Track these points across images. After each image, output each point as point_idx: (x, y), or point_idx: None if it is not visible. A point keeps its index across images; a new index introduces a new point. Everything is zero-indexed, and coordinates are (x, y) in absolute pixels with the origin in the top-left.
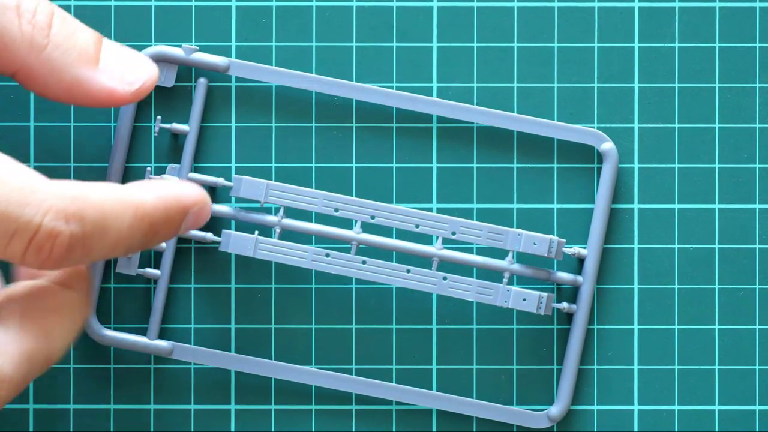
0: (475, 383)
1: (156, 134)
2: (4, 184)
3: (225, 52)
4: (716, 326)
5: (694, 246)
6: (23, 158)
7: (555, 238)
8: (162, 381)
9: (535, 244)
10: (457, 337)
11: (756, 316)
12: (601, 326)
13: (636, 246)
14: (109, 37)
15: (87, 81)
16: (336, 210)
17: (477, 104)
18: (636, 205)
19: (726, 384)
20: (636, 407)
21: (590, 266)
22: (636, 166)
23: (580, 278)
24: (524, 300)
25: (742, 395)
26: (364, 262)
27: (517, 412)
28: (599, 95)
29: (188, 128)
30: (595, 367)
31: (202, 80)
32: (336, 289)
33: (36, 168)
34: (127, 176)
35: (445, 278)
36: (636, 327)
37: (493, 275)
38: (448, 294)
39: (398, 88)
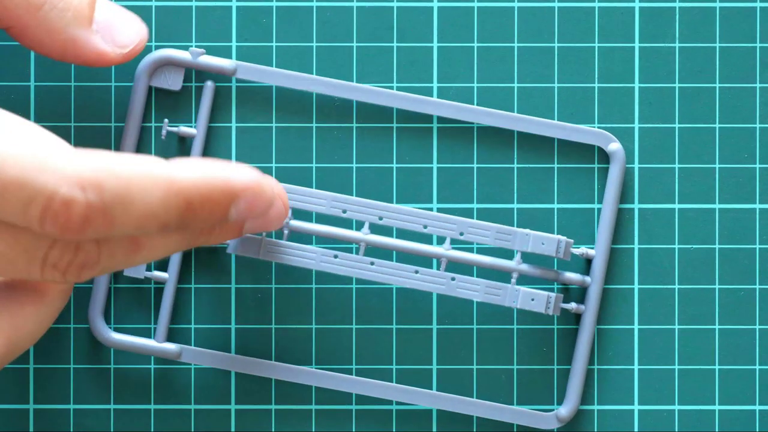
0: (475, 383)
1: (164, 137)
2: (23, 148)
3: (226, 52)
4: (716, 326)
5: (694, 246)
6: None
7: (563, 238)
8: (162, 381)
9: (543, 244)
10: (457, 337)
11: (756, 316)
12: (602, 326)
13: (636, 246)
14: None
15: (80, 42)
16: (344, 211)
17: (477, 104)
18: (636, 205)
19: (726, 384)
20: (636, 407)
21: (598, 267)
22: (636, 166)
23: (588, 278)
24: (533, 300)
25: (742, 395)
26: (372, 263)
27: (524, 413)
28: (600, 95)
29: (195, 131)
30: (595, 367)
31: (210, 83)
32: (336, 289)
33: None
34: None
35: (453, 279)
36: (636, 327)
37: (499, 276)
38: (457, 295)
39: (398, 89)
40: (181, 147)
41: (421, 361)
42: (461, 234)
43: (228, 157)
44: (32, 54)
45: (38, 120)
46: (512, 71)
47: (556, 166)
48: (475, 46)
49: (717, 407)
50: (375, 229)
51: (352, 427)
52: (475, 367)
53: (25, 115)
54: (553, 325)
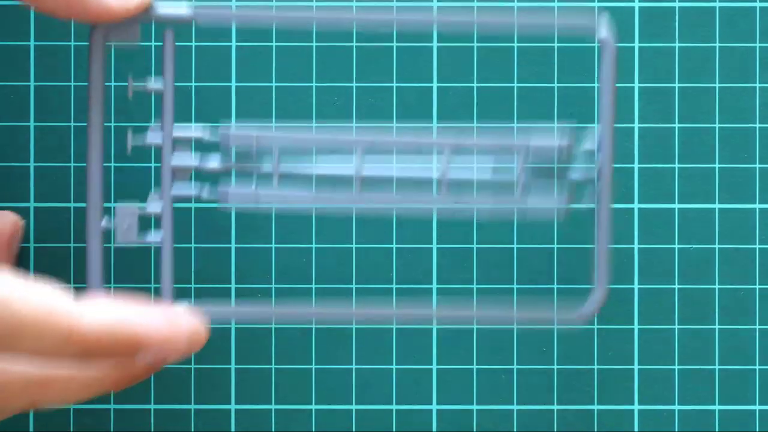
0: (475, 383)
1: (130, 96)
2: None
3: (225, 52)
4: (716, 326)
5: (694, 246)
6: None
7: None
8: (162, 381)
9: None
10: (457, 337)
11: (756, 316)
12: (601, 326)
13: (636, 246)
14: None
15: None
16: (333, 151)
17: (477, 104)
18: (636, 205)
19: (726, 384)
20: (636, 407)
21: (605, 147)
22: (636, 166)
23: (593, 167)
24: (542, 197)
25: (742, 395)
26: (366, 192)
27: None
28: (599, 95)
29: (161, 86)
30: (595, 367)
31: (168, 33)
32: (336, 289)
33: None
34: (110, 136)
35: (453, 195)
36: (636, 327)
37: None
38: (460, 209)
39: (398, 88)
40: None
41: (421, 362)
42: (457, 151)
43: (227, 157)
44: (32, 51)
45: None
46: (512, 71)
47: (556, 167)
48: (474, 46)
49: (717, 407)
50: (369, 159)
51: (351, 427)
52: (474, 367)
53: (26, 110)
54: (553, 325)
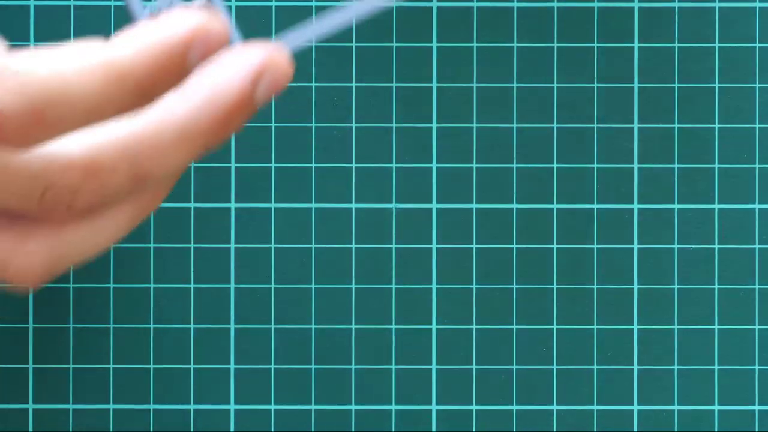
0: (475, 383)
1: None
2: None
3: None
4: (716, 326)
5: (694, 246)
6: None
7: None
8: (162, 381)
9: None
10: (457, 337)
11: (756, 316)
12: (601, 326)
13: (636, 246)
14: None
15: None
16: None
17: (477, 104)
18: (636, 205)
19: (726, 384)
20: (636, 407)
21: None
22: (636, 166)
23: None
24: None
25: (742, 395)
26: None
27: None
28: (599, 95)
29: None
30: (595, 367)
31: None
32: (336, 289)
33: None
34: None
35: None
36: (636, 327)
37: None
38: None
39: (398, 88)
40: None
41: (421, 361)
42: None
43: (228, 157)
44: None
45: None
46: (512, 71)
47: (555, 166)
48: (474, 46)
49: (716, 407)
50: None
51: (351, 427)
52: (474, 367)
53: None
54: (552, 325)
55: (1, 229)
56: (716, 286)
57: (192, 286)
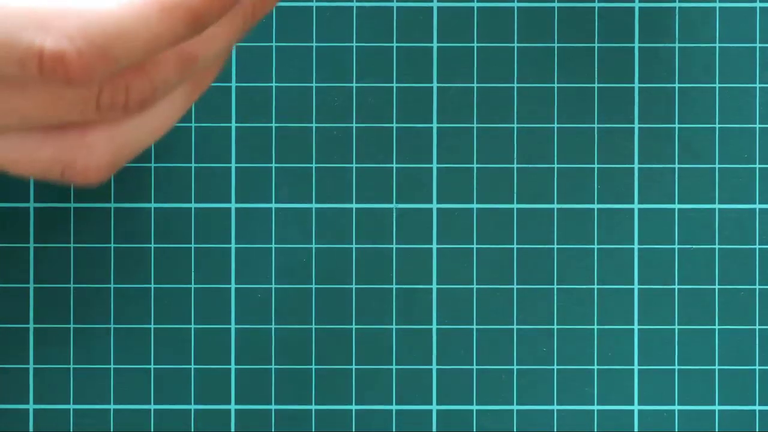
0: (475, 383)
1: None
2: (1, 8)
3: None
4: (716, 326)
5: (694, 246)
6: None
7: None
8: (162, 381)
9: None
10: (457, 337)
11: (756, 316)
12: (601, 326)
13: (636, 246)
14: None
15: None
16: None
17: (477, 104)
18: (636, 205)
19: (726, 384)
20: (636, 407)
21: None
22: (636, 166)
23: None
24: None
25: (742, 395)
26: None
27: None
28: (599, 95)
29: None
30: (595, 367)
31: None
32: (336, 289)
33: None
34: None
35: None
36: (636, 327)
37: None
38: None
39: (398, 89)
40: None
41: (421, 361)
42: None
43: (228, 157)
44: None
45: None
46: (512, 71)
47: (555, 166)
48: (474, 46)
49: (717, 407)
50: None
51: (351, 427)
52: (474, 367)
53: None
54: (552, 325)
55: (62, 133)
56: (716, 286)
57: (192, 286)
